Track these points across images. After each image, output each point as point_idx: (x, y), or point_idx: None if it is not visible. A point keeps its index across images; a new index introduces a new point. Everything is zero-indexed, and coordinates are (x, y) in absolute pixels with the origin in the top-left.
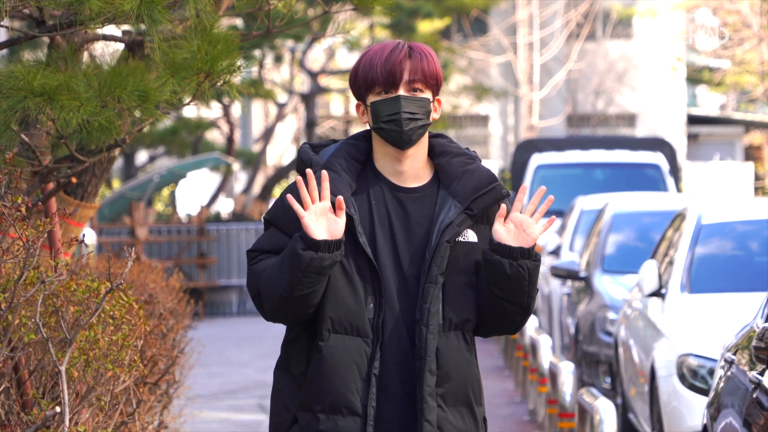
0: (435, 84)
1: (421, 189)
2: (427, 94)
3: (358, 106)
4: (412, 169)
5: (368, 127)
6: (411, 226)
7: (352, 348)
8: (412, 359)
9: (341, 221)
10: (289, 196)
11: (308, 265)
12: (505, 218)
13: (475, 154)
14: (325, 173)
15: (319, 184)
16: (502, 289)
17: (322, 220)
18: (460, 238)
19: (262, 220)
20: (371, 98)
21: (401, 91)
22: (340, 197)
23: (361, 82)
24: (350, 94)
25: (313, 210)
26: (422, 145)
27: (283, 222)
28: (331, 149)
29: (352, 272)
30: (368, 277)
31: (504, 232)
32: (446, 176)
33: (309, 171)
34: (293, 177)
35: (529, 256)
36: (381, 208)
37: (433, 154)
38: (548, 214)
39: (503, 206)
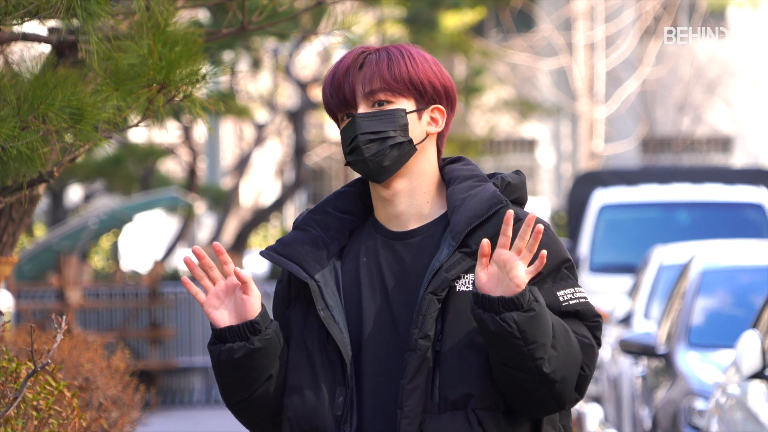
0: (415, 88)
1: (420, 231)
2: (401, 104)
3: None
4: (411, 207)
5: None
6: (409, 281)
7: None
8: None
9: (252, 299)
10: (185, 279)
11: (219, 361)
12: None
13: (500, 175)
14: (215, 245)
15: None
16: (497, 351)
17: (229, 302)
18: (462, 287)
19: None
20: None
21: (360, 109)
22: (237, 269)
23: (327, 112)
24: None
25: (214, 293)
26: (417, 175)
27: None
28: None
29: (315, 357)
30: (336, 362)
31: (484, 276)
32: (449, 209)
33: (195, 248)
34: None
35: (516, 306)
36: (372, 265)
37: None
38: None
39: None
